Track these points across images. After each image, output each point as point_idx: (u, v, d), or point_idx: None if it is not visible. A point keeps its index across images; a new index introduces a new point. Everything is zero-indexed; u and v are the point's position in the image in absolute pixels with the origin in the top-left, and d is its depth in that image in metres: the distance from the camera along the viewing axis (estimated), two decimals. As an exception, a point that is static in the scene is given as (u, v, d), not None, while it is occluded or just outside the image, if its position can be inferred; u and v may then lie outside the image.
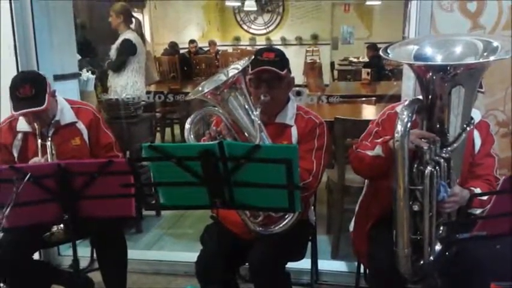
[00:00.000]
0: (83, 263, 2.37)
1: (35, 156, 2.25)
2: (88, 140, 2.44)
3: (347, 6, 11.80)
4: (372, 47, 8.25)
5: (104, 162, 1.85)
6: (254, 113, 1.97)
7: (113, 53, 4.66)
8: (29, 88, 2.17)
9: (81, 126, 2.43)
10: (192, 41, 9.93)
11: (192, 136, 1.94)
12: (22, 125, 2.37)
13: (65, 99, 2.50)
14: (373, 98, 4.50)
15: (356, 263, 2.53)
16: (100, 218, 1.98)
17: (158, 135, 6.22)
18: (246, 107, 1.97)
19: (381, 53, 1.80)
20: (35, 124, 2.24)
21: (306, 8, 12.03)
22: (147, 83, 5.25)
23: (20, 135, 2.37)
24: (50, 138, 2.26)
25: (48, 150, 2.22)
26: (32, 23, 2.92)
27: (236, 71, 1.91)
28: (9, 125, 2.40)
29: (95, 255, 2.63)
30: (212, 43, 10.87)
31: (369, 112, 4.19)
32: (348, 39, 11.90)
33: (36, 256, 2.63)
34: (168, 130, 6.52)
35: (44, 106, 2.19)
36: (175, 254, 3.26)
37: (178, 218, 4.02)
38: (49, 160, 2.19)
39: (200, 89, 1.97)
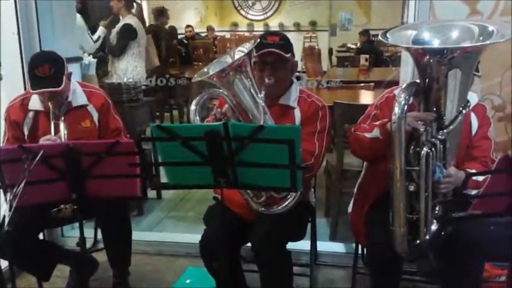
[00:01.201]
0: (87, 244, 2.42)
1: (44, 135, 2.29)
2: (98, 124, 2.48)
3: (345, -8, 11.76)
4: (364, 33, 8.32)
5: (111, 143, 1.89)
6: (259, 95, 2.00)
7: (113, 37, 4.68)
8: (48, 68, 2.21)
9: (92, 109, 2.48)
10: (188, 26, 9.87)
11: (197, 117, 1.97)
12: (34, 103, 2.41)
13: (77, 82, 2.54)
14: (372, 84, 4.54)
15: (354, 245, 2.58)
16: (106, 198, 2.03)
17: (157, 120, 6.25)
18: (251, 89, 2.00)
19: (380, 37, 1.84)
20: (49, 103, 2.28)
21: (304, -6, 12.00)
22: (147, 68, 5.28)
23: (31, 114, 2.41)
24: (62, 118, 2.29)
25: (61, 130, 2.25)
26: (35, 8, 2.95)
27: (242, 54, 1.93)
28: (21, 103, 2.44)
29: (98, 236, 2.69)
30: (210, 29, 10.83)
31: (367, 97, 4.23)
32: (346, 26, 11.87)
33: (40, 237, 2.68)
34: (167, 116, 6.57)
35: (62, 87, 2.23)
36: (176, 236, 3.32)
37: (179, 201, 4.09)
38: (62, 139, 2.23)
39: (206, 70, 2.00)
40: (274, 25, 12.20)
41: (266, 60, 2.13)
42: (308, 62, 6.70)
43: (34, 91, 2.25)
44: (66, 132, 2.26)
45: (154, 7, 6.39)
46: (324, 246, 3.00)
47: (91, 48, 4.58)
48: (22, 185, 1.68)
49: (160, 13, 6.28)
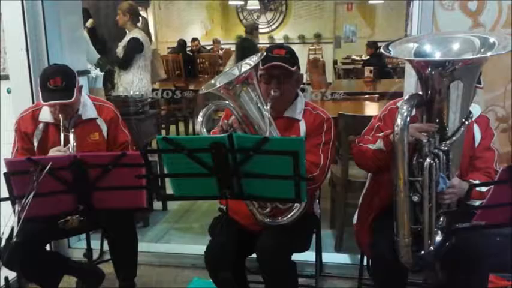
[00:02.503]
0: (93, 255, 2.44)
1: (54, 147, 2.32)
2: (106, 137, 2.52)
3: (350, 5, 11.83)
4: (371, 45, 8.31)
5: (118, 155, 1.92)
6: (264, 107, 2.03)
7: (119, 50, 4.74)
8: (60, 80, 2.25)
9: (101, 122, 2.51)
10: (194, 39, 9.97)
11: (204, 129, 1.99)
12: (44, 115, 2.45)
13: (88, 95, 2.59)
14: (376, 95, 4.56)
15: (359, 256, 2.58)
16: (113, 209, 2.05)
17: (163, 132, 6.29)
18: (257, 101, 2.02)
19: (382, 50, 1.86)
20: (60, 116, 2.31)
21: (308, 7, 12.08)
22: (153, 81, 5.33)
23: (41, 125, 2.46)
24: (72, 130, 2.33)
25: (71, 141, 2.29)
26: (43, 23, 3.00)
27: (249, 67, 1.96)
28: (32, 114, 2.48)
29: (104, 247, 2.71)
30: (216, 41, 10.93)
31: (371, 109, 4.24)
32: (351, 38, 11.95)
33: (47, 248, 2.70)
34: (172, 128, 6.61)
35: (73, 99, 2.28)
36: (182, 247, 3.33)
37: (184, 213, 4.10)
38: (71, 150, 2.26)
39: (213, 82, 2.03)
40: (279, 37, 12.28)
41: (272, 73, 2.15)
42: (313, 74, 6.73)
43: (45, 103, 2.29)
44: (75, 144, 2.30)
45: (247, 23, 7.87)
46: (329, 257, 3.00)
47: (94, 59, 4.72)
48: (30, 196, 1.70)
49: (254, 28, 7.26)
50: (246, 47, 6.88)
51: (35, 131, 2.45)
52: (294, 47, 2.33)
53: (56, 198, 1.96)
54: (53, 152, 2.27)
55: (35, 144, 2.45)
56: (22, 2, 2.91)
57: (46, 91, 2.27)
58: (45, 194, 1.88)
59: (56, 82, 2.25)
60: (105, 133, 2.52)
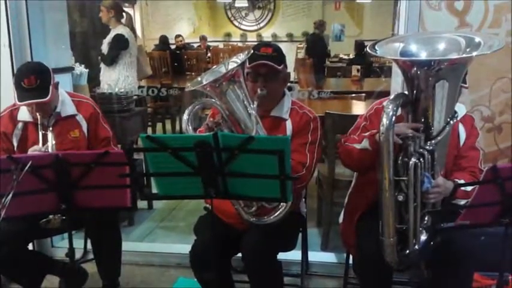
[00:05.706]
0: (77, 254, 2.41)
1: (34, 146, 2.28)
2: (87, 133, 2.48)
3: (338, 3, 11.87)
4: (359, 44, 8.40)
5: (101, 153, 1.88)
6: (251, 106, 2.01)
7: (104, 47, 4.69)
8: (34, 79, 2.21)
9: (81, 119, 2.48)
10: (178, 36, 9.89)
11: (190, 127, 1.97)
12: (23, 114, 2.41)
13: (66, 92, 2.54)
14: (363, 94, 4.57)
15: (345, 255, 2.59)
16: (96, 209, 2.02)
17: (149, 130, 6.23)
18: (244, 100, 2.01)
19: (368, 49, 1.86)
20: (37, 114, 2.28)
21: (297, 5, 12.10)
22: (139, 78, 5.29)
23: (20, 125, 2.42)
24: (51, 128, 2.29)
25: (49, 140, 2.25)
26: (27, 19, 2.95)
27: (235, 65, 1.95)
28: (10, 114, 2.44)
29: (88, 246, 2.67)
30: (203, 38, 10.88)
31: (358, 108, 4.25)
32: (339, 37, 11.98)
33: (29, 247, 2.67)
34: (159, 125, 6.56)
35: (48, 98, 2.24)
36: (167, 246, 3.31)
37: (170, 211, 4.07)
38: (49, 149, 2.23)
39: (199, 79, 2.01)
40: (267, 36, 12.28)
41: (259, 72, 2.14)
42: (300, 72, 6.73)
43: (20, 103, 2.25)
44: (54, 142, 2.27)
45: (316, 20, 8.88)
46: (316, 256, 3.00)
47: None
48: (10, 195, 1.67)
49: (321, 24, 8.53)
50: (315, 41, 8.47)
51: (14, 131, 2.41)
52: (282, 45, 2.32)
53: (37, 197, 1.91)
54: (31, 152, 2.23)
55: (15, 144, 2.41)
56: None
57: (21, 91, 2.23)
58: (26, 192, 1.84)
59: (30, 81, 2.21)
60: (85, 130, 2.48)
